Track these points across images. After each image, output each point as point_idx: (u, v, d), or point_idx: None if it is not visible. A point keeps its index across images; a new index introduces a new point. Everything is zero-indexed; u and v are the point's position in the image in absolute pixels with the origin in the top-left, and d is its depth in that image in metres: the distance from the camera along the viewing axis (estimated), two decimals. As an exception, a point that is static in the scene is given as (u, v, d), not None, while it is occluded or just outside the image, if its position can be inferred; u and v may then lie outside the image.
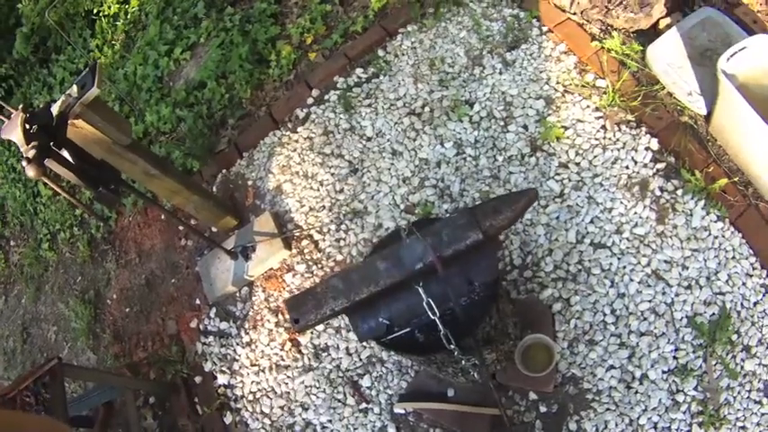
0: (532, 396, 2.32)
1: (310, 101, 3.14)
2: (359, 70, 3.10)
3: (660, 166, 2.48)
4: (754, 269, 2.27)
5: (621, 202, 2.48)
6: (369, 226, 2.77)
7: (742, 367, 2.16)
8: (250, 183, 3.11)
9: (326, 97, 3.10)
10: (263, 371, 2.72)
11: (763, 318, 2.20)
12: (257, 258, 2.86)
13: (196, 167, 3.19)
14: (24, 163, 1.88)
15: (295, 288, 2.79)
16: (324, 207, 2.89)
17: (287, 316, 2.77)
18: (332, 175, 2.93)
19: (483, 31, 2.94)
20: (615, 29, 2.71)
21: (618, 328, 2.31)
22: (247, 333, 2.81)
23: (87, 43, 3.79)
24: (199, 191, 2.79)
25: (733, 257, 2.29)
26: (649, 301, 2.31)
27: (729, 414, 2.11)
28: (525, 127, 2.72)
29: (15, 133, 1.99)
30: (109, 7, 3.76)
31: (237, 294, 2.91)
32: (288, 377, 2.67)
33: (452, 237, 1.67)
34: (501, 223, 1.66)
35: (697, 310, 2.26)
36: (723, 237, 2.33)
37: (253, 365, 2.75)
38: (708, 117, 2.46)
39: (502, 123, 2.76)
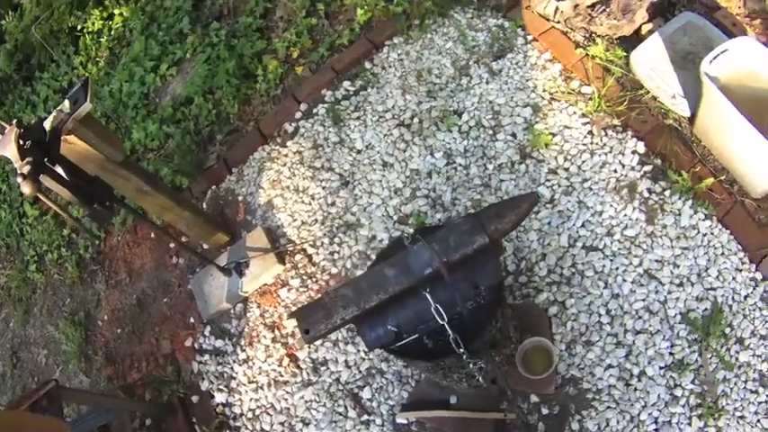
0: (534, 398, 2.34)
1: (298, 115, 3.15)
2: (346, 83, 3.12)
3: (647, 168, 2.54)
4: (743, 264, 2.34)
5: (611, 205, 2.53)
6: (362, 238, 2.77)
7: (737, 359, 2.22)
8: (240, 198, 3.10)
9: (315, 111, 3.12)
10: (261, 387, 2.70)
11: (754, 310, 2.27)
12: (251, 274, 2.84)
13: (185, 184, 3.17)
14: (19, 179, 1.86)
15: (290, 303, 2.78)
16: (316, 221, 2.89)
17: (284, 331, 2.76)
18: (323, 188, 2.94)
19: (469, 41, 2.99)
20: (599, 36, 2.78)
21: (614, 328, 2.35)
22: (244, 350, 2.79)
23: (71, 60, 3.75)
24: (190, 207, 2.78)
25: (722, 254, 2.36)
26: (643, 300, 2.36)
27: (727, 405, 2.17)
28: (514, 135, 2.76)
29: (9, 148, 1.97)
30: (93, 24, 3.73)
31: (232, 311, 2.88)
32: (287, 393, 2.65)
33: (459, 242, 1.69)
34: (505, 226, 1.69)
35: (690, 306, 2.32)
36: (712, 234, 2.39)
37: (251, 382, 2.72)
38: (692, 119, 2.54)
39: (491, 132, 2.80)
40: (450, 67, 2.99)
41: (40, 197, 1.94)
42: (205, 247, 3.04)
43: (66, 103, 2.12)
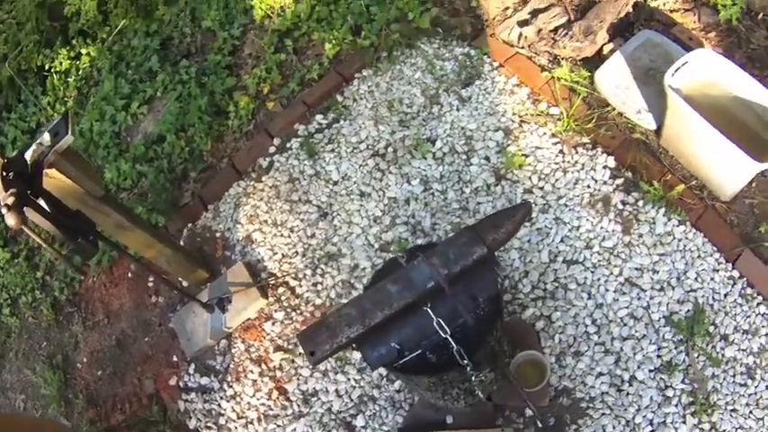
0: (529, 412, 2.36)
1: (272, 149, 3.16)
2: (319, 116, 3.16)
3: (619, 181, 2.64)
4: (719, 264, 2.43)
5: (587, 219, 2.61)
6: (345, 267, 2.78)
7: (723, 355, 2.30)
8: (218, 235, 3.07)
9: (288, 145, 3.14)
10: (251, 422, 2.63)
11: (734, 307, 2.36)
12: (234, 309, 2.80)
13: (161, 222, 3.12)
14: (4, 210, 1.81)
15: (275, 336, 2.75)
16: (297, 253, 2.88)
17: (270, 365, 2.71)
18: (302, 221, 2.94)
19: (437, 70, 3.08)
20: (563, 58, 2.91)
21: (601, 337, 2.41)
22: (230, 386, 2.73)
23: (39, 100, 3.68)
24: (170, 244, 2.73)
25: (698, 256, 2.46)
26: (627, 308, 2.43)
27: (719, 400, 2.23)
28: (487, 158, 2.84)
29: (-8, 180, 1.92)
30: (60, 63, 3.69)
31: (216, 348, 2.82)
32: (278, 426, 2.59)
33: (459, 254, 1.72)
34: (503, 236, 1.74)
35: (672, 309, 2.39)
36: (687, 238, 2.49)
37: (240, 418, 2.66)
38: (658, 131, 2.66)
39: (464, 157, 2.87)
40: (421, 96, 3.07)
41: (25, 230, 1.90)
42: (185, 284, 2.98)
43: (47, 135, 2.09)
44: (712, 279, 2.42)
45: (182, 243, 3.08)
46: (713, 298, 2.39)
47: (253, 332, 2.78)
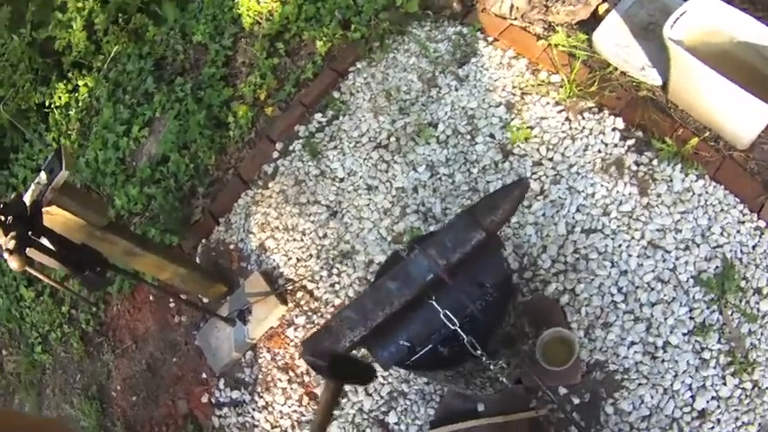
0: (562, 390, 2.29)
1: (276, 155, 3.13)
2: (318, 115, 3.12)
3: (630, 142, 2.54)
4: (744, 215, 2.32)
5: (602, 185, 2.52)
6: (360, 264, 2.74)
7: (758, 309, 2.19)
8: (232, 247, 3.07)
9: (291, 148, 3.11)
10: (285, 431, 2.63)
11: (765, 259, 2.24)
12: (255, 320, 2.79)
13: (175, 242, 3.13)
14: (6, 255, 1.84)
15: (300, 341, 2.73)
16: (311, 255, 2.86)
17: (298, 371, 2.70)
18: (312, 222, 2.91)
19: (431, 53, 3.01)
20: (557, 24, 2.81)
21: (629, 305, 2.32)
22: (261, 396, 2.72)
23: (44, 138, 3.75)
24: (184, 263, 2.74)
25: (721, 210, 2.34)
26: (652, 271, 2.33)
27: (758, 356, 2.13)
28: (492, 135, 2.76)
29: (-9, 226, 1.95)
30: (59, 98, 3.73)
31: (243, 360, 2.82)
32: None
33: (456, 241, 1.66)
34: (501, 217, 1.67)
35: (700, 268, 2.29)
36: (707, 193, 2.38)
37: (274, 428, 2.65)
38: (664, 86, 2.54)
39: (469, 137, 2.79)
40: (418, 81, 3.00)
41: (30, 271, 1.92)
42: (205, 300, 2.99)
43: (43, 174, 2.11)
44: (738, 232, 2.30)
45: (197, 260, 3.09)
46: (741, 251, 2.27)
47: (276, 340, 2.78)
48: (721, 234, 2.31)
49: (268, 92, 3.25)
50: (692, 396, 2.15)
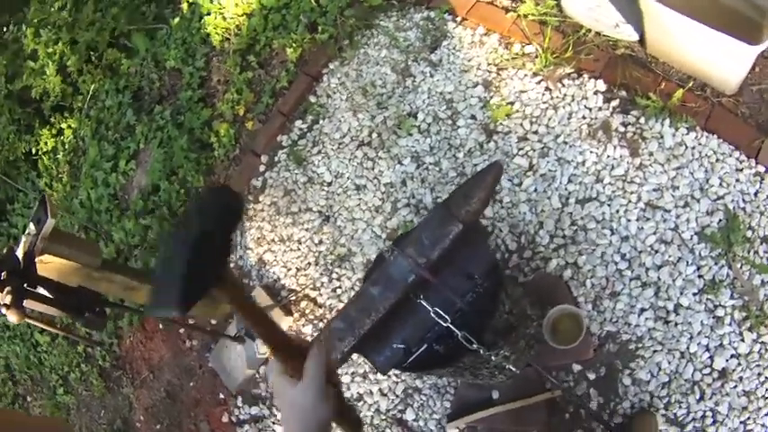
0: (576, 367, 2.24)
1: (262, 168, 3.11)
2: (298, 122, 3.09)
3: (614, 103, 2.46)
4: (741, 162, 2.23)
5: (591, 152, 2.45)
6: (358, 266, 2.71)
7: (768, 258, 2.11)
8: (232, 265, 3.05)
9: (276, 159, 3.08)
10: (307, 442, 2.62)
11: (768, 204, 2.16)
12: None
13: (176, 269, 3.13)
14: (3, 310, 1.86)
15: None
16: (310, 263, 2.83)
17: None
18: (306, 230, 2.88)
19: (401, 42, 2.95)
20: (523, -6, 2.73)
21: (634, 271, 2.25)
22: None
23: (36, 185, 3.78)
24: (185, 289, 2.73)
25: (717, 160, 2.26)
26: (654, 233, 2.27)
27: (775, 308, 2.05)
28: (473, 117, 2.70)
29: (-15, 285, 1.96)
30: (45, 143, 3.76)
31: (257, 375, 2.82)
32: (333, 439, 2.56)
33: (433, 237, 1.61)
34: (475, 206, 1.61)
35: (703, 223, 2.21)
36: (700, 144, 2.30)
37: (295, 441, 2.64)
38: (641, 40, 2.45)
39: (450, 122, 2.74)
40: (392, 73, 2.94)
41: (30, 321, 1.94)
42: (213, 321, 2.99)
43: (31, 225, 2.11)
44: (737, 180, 2.22)
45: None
46: (743, 200, 2.19)
47: (286, 353, 2.76)
48: (720, 185, 2.23)
49: (246, 106, 3.22)
50: (710, 357, 2.09)
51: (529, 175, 2.52)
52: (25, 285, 1.97)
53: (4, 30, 4.20)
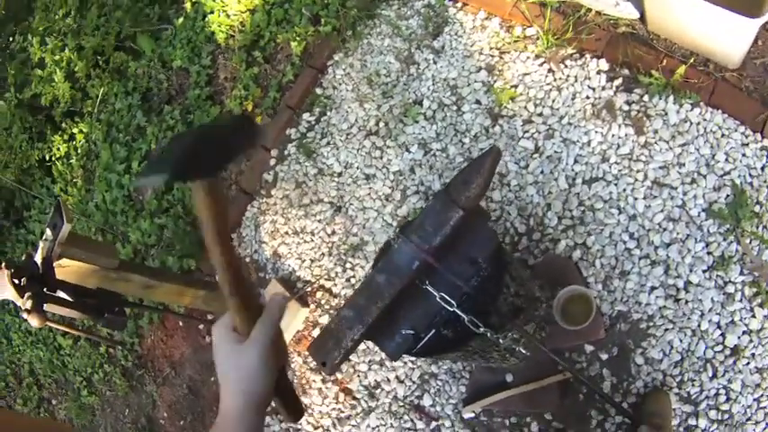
0: (589, 348, 2.25)
1: (273, 162, 3.14)
2: (306, 115, 3.12)
3: (617, 82, 2.46)
4: (746, 137, 2.22)
5: (596, 132, 2.45)
6: (371, 254, 2.74)
7: (778, 233, 2.10)
8: (248, 260, 3.10)
9: (286, 152, 3.11)
10: (327, 430, 2.67)
11: (776, 178, 2.14)
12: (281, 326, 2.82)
13: (193, 266, 3.19)
14: (24, 315, 1.91)
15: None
16: (323, 254, 2.87)
17: (330, 369, 2.72)
18: (319, 221, 2.92)
19: (404, 31, 2.96)
20: (522, -25, 2.72)
21: (643, 249, 2.26)
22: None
23: (51, 191, 3.85)
24: (203, 285, 2.78)
25: (722, 135, 2.25)
26: (661, 211, 2.27)
27: (785, 282, 2.05)
28: (478, 102, 2.71)
29: (8, 291, 2.02)
30: (58, 149, 3.83)
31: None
32: (353, 426, 2.61)
33: (435, 224, 1.64)
34: (475, 191, 1.63)
35: (710, 199, 2.21)
36: (705, 120, 2.29)
37: (317, 428, 2.70)
38: (642, 18, 2.44)
39: (455, 108, 2.75)
40: (395, 61, 2.96)
41: (51, 325, 1.99)
42: (231, 317, 3.03)
43: (48, 231, 2.16)
44: (744, 155, 2.21)
45: (217, 278, 3.14)
46: (750, 175, 2.19)
47: (305, 343, 2.81)
48: (726, 160, 2.22)
49: (254, 102, 3.25)
50: (721, 334, 2.10)
51: (535, 158, 2.52)
52: (45, 290, 2.02)
53: (11, 40, 4.28)
